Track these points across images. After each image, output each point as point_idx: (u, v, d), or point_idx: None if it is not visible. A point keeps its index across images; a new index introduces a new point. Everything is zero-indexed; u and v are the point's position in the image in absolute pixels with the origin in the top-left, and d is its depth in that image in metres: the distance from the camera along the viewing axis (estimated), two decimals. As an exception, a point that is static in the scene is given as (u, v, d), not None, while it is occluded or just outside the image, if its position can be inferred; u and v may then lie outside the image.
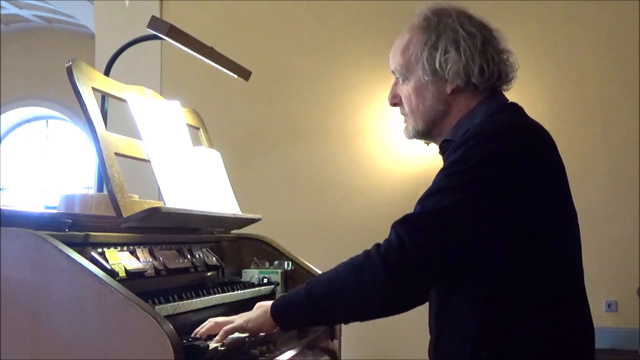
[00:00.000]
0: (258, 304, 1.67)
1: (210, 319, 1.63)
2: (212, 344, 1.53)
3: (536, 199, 1.46)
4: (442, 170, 1.51)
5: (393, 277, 1.44)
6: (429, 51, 1.61)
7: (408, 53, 1.65)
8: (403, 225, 1.46)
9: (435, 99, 1.63)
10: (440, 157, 1.68)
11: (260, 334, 1.63)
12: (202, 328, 1.60)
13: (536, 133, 1.55)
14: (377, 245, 1.48)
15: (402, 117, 1.72)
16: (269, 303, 1.63)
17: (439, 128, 1.66)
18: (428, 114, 1.65)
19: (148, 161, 1.81)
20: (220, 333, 1.57)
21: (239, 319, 1.61)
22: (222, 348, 1.51)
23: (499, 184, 1.44)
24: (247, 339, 1.62)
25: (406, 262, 1.43)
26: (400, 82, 1.69)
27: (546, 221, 1.48)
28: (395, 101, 1.72)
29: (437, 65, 1.59)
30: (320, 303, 1.53)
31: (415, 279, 1.46)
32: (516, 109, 1.63)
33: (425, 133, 1.68)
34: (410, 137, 1.72)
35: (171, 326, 1.29)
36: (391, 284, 1.44)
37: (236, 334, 1.60)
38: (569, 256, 1.54)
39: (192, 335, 1.57)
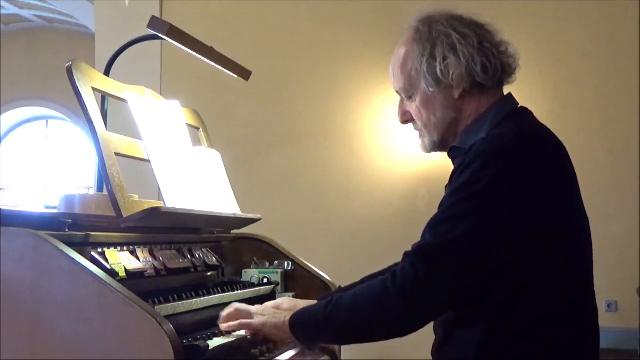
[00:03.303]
0: (282, 301, 1.77)
1: (233, 304, 1.69)
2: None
3: (546, 211, 1.46)
4: (450, 193, 1.50)
5: (411, 309, 1.46)
6: (427, 62, 1.59)
7: (407, 68, 1.63)
8: (416, 256, 1.46)
9: (445, 108, 1.61)
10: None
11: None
12: (225, 312, 1.67)
13: (543, 143, 1.53)
14: (394, 277, 1.47)
15: (417, 132, 1.70)
16: (291, 306, 1.70)
17: (454, 136, 1.64)
18: (441, 124, 1.63)
19: (148, 161, 1.81)
20: (236, 324, 1.62)
21: (259, 316, 1.65)
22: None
23: (509, 206, 1.44)
24: (249, 337, 1.64)
25: (423, 294, 1.45)
26: (407, 99, 1.67)
27: (556, 232, 1.48)
28: (406, 118, 1.69)
29: (439, 74, 1.57)
30: (338, 329, 1.55)
31: (433, 308, 1.49)
32: (523, 115, 1.61)
33: (442, 143, 1.66)
34: (428, 151, 1.69)
35: (171, 326, 1.29)
36: (410, 315, 1.47)
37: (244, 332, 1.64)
38: (578, 263, 1.53)
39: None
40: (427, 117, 1.63)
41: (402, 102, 1.69)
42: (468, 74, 1.57)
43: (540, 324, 1.46)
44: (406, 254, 1.49)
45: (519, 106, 1.63)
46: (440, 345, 1.59)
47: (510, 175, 1.45)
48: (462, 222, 1.44)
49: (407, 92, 1.65)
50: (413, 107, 1.66)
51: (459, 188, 1.47)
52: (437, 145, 1.66)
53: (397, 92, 1.69)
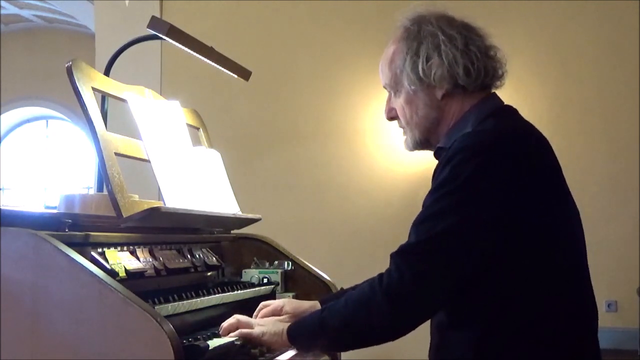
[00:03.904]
0: (283, 303, 1.77)
1: (235, 315, 1.68)
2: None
3: (530, 207, 1.45)
4: (431, 191, 1.50)
5: (397, 311, 1.45)
6: (411, 60, 1.60)
7: (394, 66, 1.65)
8: (400, 256, 1.46)
9: (427, 107, 1.62)
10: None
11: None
12: (226, 323, 1.66)
13: (524, 139, 1.52)
14: (380, 278, 1.48)
15: (401, 130, 1.72)
16: (293, 307, 1.74)
17: (436, 136, 1.65)
18: (423, 123, 1.64)
19: (148, 161, 1.81)
20: (236, 333, 1.62)
21: (258, 326, 1.65)
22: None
23: (490, 200, 1.43)
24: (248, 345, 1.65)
25: (408, 295, 1.44)
26: (393, 95, 1.69)
27: (543, 227, 1.47)
28: (392, 115, 1.71)
29: (421, 72, 1.59)
30: (332, 334, 1.55)
31: (419, 308, 1.48)
32: (506, 113, 1.61)
33: (423, 142, 1.67)
34: (411, 149, 1.71)
35: (171, 326, 1.29)
36: (396, 316, 1.46)
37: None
38: (570, 259, 1.52)
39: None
40: (409, 115, 1.65)
41: (389, 99, 1.71)
42: (450, 75, 1.58)
43: (537, 324, 1.45)
44: (392, 255, 1.49)
45: (503, 105, 1.63)
46: (437, 349, 1.58)
47: (491, 170, 1.44)
48: (443, 219, 1.43)
49: (393, 88, 1.67)
50: (398, 104, 1.68)
51: (439, 185, 1.47)
52: (419, 144, 1.68)
53: (384, 87, 1.71)
